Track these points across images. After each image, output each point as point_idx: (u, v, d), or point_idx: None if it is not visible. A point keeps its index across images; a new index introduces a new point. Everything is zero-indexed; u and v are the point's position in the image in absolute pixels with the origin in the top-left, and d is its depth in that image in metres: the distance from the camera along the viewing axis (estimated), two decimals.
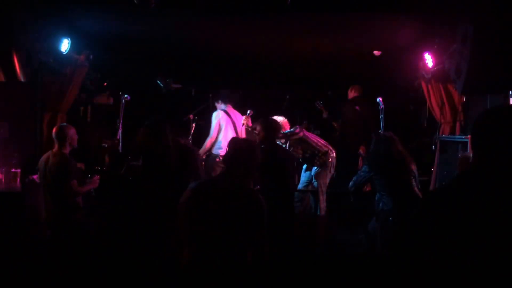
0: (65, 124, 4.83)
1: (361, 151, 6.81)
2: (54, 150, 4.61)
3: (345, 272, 4.52)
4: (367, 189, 4.74)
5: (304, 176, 6.03)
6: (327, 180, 5.82)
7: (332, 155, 5.81)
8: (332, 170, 5.84)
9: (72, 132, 4.68)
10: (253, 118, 6.32)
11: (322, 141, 5.90)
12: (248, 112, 6.06)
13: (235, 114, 6.45)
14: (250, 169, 2.97)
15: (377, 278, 3.95)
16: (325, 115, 7.77)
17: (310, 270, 4.59)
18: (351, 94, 7.36)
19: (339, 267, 4.68)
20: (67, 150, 4.61)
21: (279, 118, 5.94)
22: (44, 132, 6.08)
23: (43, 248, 4.52)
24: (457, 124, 6.33)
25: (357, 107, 7.25)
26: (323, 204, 5.70)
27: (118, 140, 5.89)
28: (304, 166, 5.98)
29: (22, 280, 3.98)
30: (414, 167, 4.46)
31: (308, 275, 4.48)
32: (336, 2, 4.90)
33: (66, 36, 5.79)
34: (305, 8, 4.92)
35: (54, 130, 4.68)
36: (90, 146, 6.84)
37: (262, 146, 4.58)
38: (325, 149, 5.77)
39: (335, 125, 7.79)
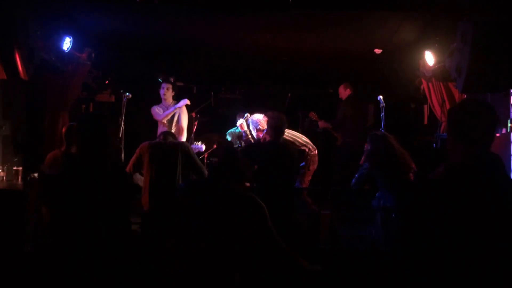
0: (75, 123, 4.73)
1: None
2: (62, 149, 4.51)
3: (347, 268, 4.54)
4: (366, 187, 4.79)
5: None
6: (306, 178, 5.89)
7: (312, 153, 5.81)
8: (310, 168, 5.85)
9: None
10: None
11: (300, 140, 5.85)
12: (246, 115, 6.07)
13: None
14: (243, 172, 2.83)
15: (379, 275, 3.97)
16: (321, 124, 7.58)
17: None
18: (347, 91, 7.37)
19: (341, 264, 4.70)
20: (75, 150, 4.51)
21: (258, 116, 5.96)
22: (45, 130, 6.11)
23: (44, 248, 4.50)
24: None
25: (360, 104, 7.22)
26: (308, 200, 5.80)
27: (120, 138, 5.90)
28: None
29: (22, 279, 3.96)
30: (412, 164, 4.50)
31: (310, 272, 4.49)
32: (337, 1, 4.92)
33: (68, 34, 5.80)
34: (306, 6, 4.94)
35: (64, 129, 4.58)
36: None
37: (269, 143, 4.64)
38: (302, 148, 5.80)
39: (336, 135, 7.70)
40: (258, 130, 5.89)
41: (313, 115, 7.59)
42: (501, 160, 2.12)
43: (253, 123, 5.92)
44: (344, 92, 7.45)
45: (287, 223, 4.45)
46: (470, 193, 1.99)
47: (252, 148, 4.92)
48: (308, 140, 5.95)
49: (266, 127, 5.81)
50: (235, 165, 2.81)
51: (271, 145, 4.60)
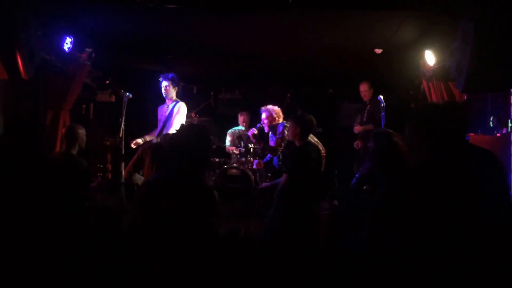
0: (75, 124, 4.76)
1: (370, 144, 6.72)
2: (62, 150, 4.55)
3: (347, 269, 4.54)
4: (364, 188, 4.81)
5: None
6: None
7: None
8: None
9: (82, 132, 4.61)
10: (255, 119, 6.36)
11: (312, 141, 5.84)
12: (258, 125, 6.07)
13: None
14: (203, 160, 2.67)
15: (379, 275, 3.97)
16: (357, 129, 7.37)
17: (312, 267, 4.61)
18: (371, 90, 7.29)
19: (341, 264, 4.70)
20: (75, 151, 4.56)
21: (276, 108, 5.92)
22: (46, 130, 6.10)
23: (45, 249, 4.49)
24: None
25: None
26: None
27: (121, 138, 5.91)
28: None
29: (21, 280, 3.94)
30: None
31: (310, 271, 4.50)
32: (337, 1, 4.91)
33: (68, 34, 5.81)
34: (306, 6, 4.93)
35: (64, 129, 4.62)
36: (92, 144, 6.85)
37: (297, 145, 4.70)
38: None
39: (359, 140, 7.56)
40: (272, 122, 5.89)
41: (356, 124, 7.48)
42: (491, 155, 2.35)
43: (267, 114, 5.90)
44: (369, 91, 7.30)
45: (312, 221, 4.56)
46: (456, 179, 2.27)
47: (292, 153, 5.00)
48: (318, 141, 5.95)
49: (281, 121, 5.85)
50: (189, 151, 2.62)
51: (304, 148, 4.78)
